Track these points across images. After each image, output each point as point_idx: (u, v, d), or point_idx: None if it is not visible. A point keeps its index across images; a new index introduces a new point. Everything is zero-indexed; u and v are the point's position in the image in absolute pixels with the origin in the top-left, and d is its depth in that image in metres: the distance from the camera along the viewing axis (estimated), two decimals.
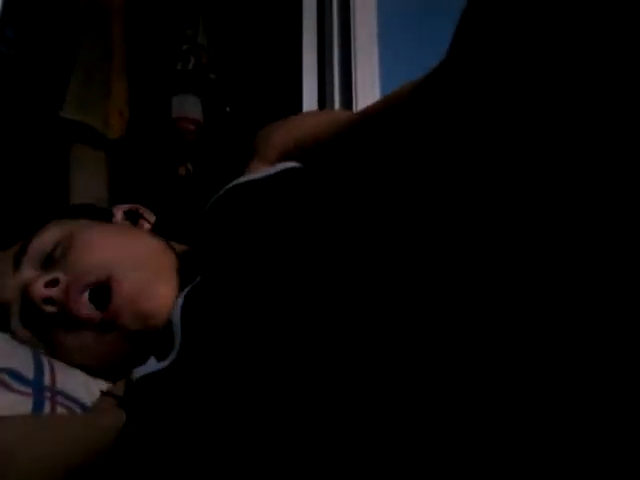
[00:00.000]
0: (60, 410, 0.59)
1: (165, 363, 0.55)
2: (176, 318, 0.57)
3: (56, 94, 1.65)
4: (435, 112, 0.49)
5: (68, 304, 0.62)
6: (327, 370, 0.43)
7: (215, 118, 1.82)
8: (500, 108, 0.41)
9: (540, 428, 0.36)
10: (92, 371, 0.65)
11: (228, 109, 1.85)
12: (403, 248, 0.46)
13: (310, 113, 1.10)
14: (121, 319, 0.62)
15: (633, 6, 0.35)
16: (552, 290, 0.38)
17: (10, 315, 0.65)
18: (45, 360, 0.63)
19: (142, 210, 0.79)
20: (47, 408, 0.58)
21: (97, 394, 0.64)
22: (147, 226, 0.77)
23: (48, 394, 0.59)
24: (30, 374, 0.60)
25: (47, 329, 0.64)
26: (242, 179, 0.67)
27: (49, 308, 0.62)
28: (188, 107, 1.78)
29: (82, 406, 0.61)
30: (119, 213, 0.77)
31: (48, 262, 0.65)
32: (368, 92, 1.12)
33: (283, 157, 0.72)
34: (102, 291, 0.62)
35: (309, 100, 1.24)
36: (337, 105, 1.19)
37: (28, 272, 0.65)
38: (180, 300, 0.59)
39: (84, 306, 0.62)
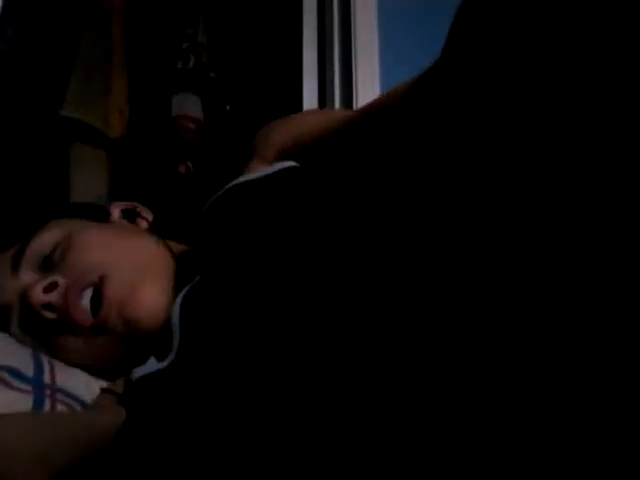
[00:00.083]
0: (60, 408, 0.59)
1: (164, 363, 0.55)
2: (175, 318, 0.57)
3: (56, 93, 1.64)
4: (429, 110, 0.49)
5: (69, 310, 0.62)
6: (326, 369, 0.43)
7: (215, 117, 1.82)
8: (494, 106, 0.41)
9: (540, 428, 0.36)
10: (92, 371, 0.65)
11: (228, 108, 1.85)
12: (401, 247, 0.46)
13: (309, 112, 1.10)
14: (110, 324, 0.62)
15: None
16: (552, 290, 0.38)
17: (10, 317, 0.65)
18: (45, 359, 0.63)
19: (139, 208, 0.78)
20: (47, 406, 0.58)
21: (98, 392, 0.64)
22: (144, 225, 0.77)
23: (48, 392, 0.60)
24: (30, 372, 0.60)
25: (46, 332, 0.64)
26: (241, 179, 0.67)
27: (48, 314, 0.62)
28: (188, 106, 1.78)
29: (82, 403, 0.61)
30: (116, 211, 0.77)
31: (47, 264, 0.65)
32: (368, 92, 1.12)
33: (282, 156, 0.72)
34: (98, 295, 0.62)
35: (309, 99, 1.24)
36: (337, 104, 1.19)
37: (27, 275, 0.65)
38: (179, 300, 0.59)
39: (83, 312, 0.62)
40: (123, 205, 0.78)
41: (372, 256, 0.48)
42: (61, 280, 0.63)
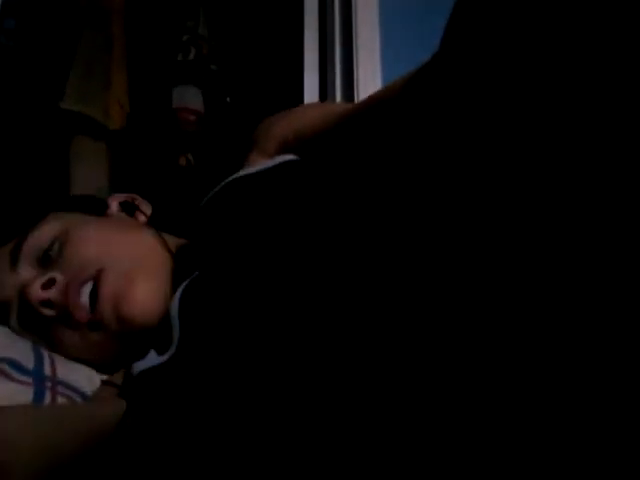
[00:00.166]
0: (61, 400, 0.59)
1: (164, 357, 0.55)
2: (174, 312, 0.57)
3: (56, 85, 1.64)
4: (426, 105, 0.49)
5: (68, 307, 0.62)
6: (325, 365, 0.43)
7: (216, 109, 1.82)
8: (491, 101, 0.41)
9: (540, 428, 0.36)
10: (92, 364, 0.65)
11: (229, 100, 1.85)
12: (400, 243, 0.46)
13: (310, 105, 1.10)
14: (105, 320, 0.62)
15: None
16: (552, 290, 0.38)
17: (9, 313, 0.65)
18: (45, 352, 0.63)
19: (138, 201, 0.78)
20: (48, 398, 0.59)
21: (98, 384, 0.64)
22: (143, 218, 0.77)
23: (49, 384, 0.60)
24: (30, 364, 0.61)
25: (45, 328, 0.64)
26: (241, 172, 0.66)
27: (47, 311, 0.62)
28: (189, 98, 1.77)
29: (83, 396, 0.62)
30: (115, 204, 0.76)
31: (45, 259, 0.65)
32: (370, 87, 1.12)
33: (282, 149, 0.71)
34: (96, 289, 0.62)
35: (310, 96, 1.24)
36: (339, 100, 1.19)
37: (25, 271, 0.65)
38: (178, 294, 0.59)
39: (83, 309, 0.62)
40: (122, 197, 0.78)
41: (371, 252, 0.48)
42: (59, 276, 0.63)
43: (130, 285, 0.63)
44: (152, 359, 0.56)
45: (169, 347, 0.55)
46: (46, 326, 0.63)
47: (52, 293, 0.62)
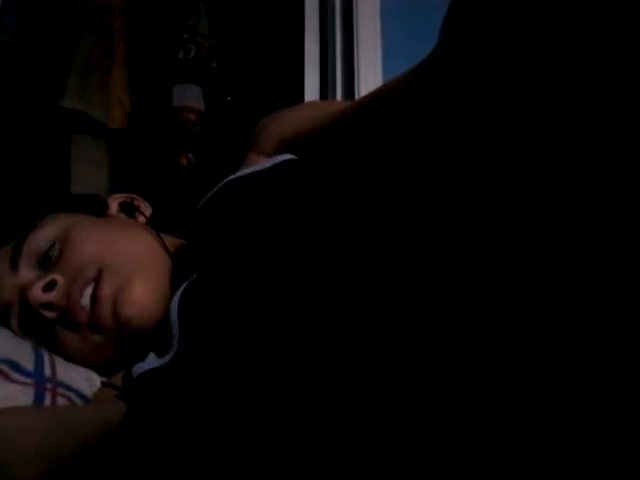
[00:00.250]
0: (61, 401, 0.59)
1: (164, 360, 0.55)
2: (173, 314, 0.57)
3: (56, 84, 1.64)
4: (425, 102, 0.48)
5: (70, 310, 0.62)
6: (325, 365, 0.43)
7: (216, 107, 1.81)
8: (489, 98, 0.41)
9: (540, 428, 0.36)
10: (93, 367, 0.65)
11: (229, 98, 1.84)
12: (400, 243, 0.46)
13: (309, 103, 1.09)
14: (104, 321, 0.62)
15: None
16: (551, 290, 0.38)
17: (9, 314, 0.65)
18: (45, 353, 0.63)
19: (138, 202, 0.78)
20: (48, 399, 0.59)
21: (98, 386, 0.64)
22: (142, 219, 0.76)
23: (49, 385, 0.60)
24: (30, 365, 0.61)
25: (45, 329, 0.64)
26: (239, 173, 0.66)
27: (48, 314, 0.62)
28: (189, 96, 1.77)
29: (83, 397, 0.62)
30: (114, 204, 0.76)
31: (45, 260, 0.65)
32: (370, 86, 1.12)
33: (281, 148, 0.71)
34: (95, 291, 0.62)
35: (311, 90, 1.24)
36: (339, 98, 1.18)
37: (25, 272, 0.65)
38: (177, 297, 0.59)
39: (84, 311, 0.62)
40: (121, 198, 0.78)
41: (370, 252, 0.47)
42: (59, 278, 0.63)
43: (129, 286, 0.62)
44: (152, 361, 0.56)
45: (169, 349, 0.55)
46: (47, 327, 0.63)
47: (53, 296, 0.62)
